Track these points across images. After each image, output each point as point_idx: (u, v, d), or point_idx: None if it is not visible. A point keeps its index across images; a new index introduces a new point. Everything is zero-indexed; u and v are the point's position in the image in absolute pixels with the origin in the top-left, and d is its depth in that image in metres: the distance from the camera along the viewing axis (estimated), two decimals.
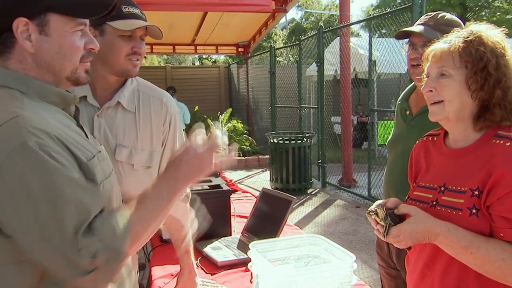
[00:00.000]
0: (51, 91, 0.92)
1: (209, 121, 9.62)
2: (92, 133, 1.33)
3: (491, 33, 1.07)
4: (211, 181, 2.27)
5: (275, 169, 6.44)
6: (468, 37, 1.07)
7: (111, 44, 1.30)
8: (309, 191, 6.53)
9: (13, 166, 0.77)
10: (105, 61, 1.31)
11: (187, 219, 1.50)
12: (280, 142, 6.41)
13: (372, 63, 5.70)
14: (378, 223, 1.09)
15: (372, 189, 5.66)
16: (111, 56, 1.31)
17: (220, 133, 0.98)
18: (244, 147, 9.13)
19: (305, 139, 6.42)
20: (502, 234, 0.98)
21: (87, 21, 0.94)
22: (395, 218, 1.07)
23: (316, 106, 6.96)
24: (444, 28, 1.50)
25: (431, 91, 1.09)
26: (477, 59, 1.04)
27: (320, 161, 6.81)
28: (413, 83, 1.68)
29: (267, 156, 8.37)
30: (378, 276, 1.86)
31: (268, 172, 7.00)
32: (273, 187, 6.43)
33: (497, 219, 0.99)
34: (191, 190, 1.58)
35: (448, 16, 1.57)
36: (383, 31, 7.45)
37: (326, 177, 6.81)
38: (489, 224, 1.01)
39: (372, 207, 1.12)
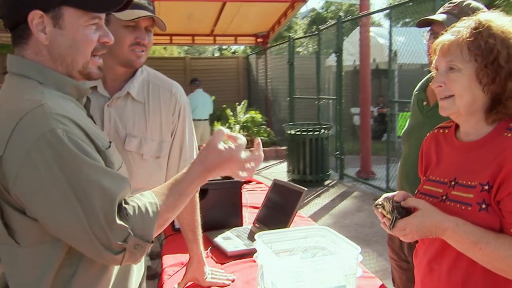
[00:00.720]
0: (68, 82, 0.94)
1: (227, 111, 9.65)
2: (102, 123, 1.35)
3: (501, 22, 1.02)
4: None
5: (292, 160, 6.42)
6: (476, 28, 1.02)
7: (115, 34, 1.30)
8: (326, 182, 6.49)
9: (42, 152, 0.80)
10: (110, 52, 1.32)
11: (196, 209, 1.52)
12: (297, 133, 6.38)
13: (392, 53, 5.58)
14: (384, 216, 1.08)
15: (391, 182, 5.59)
16: (116, 46, 1.31)
17: (260, 152, 1.02)
18: (262, 138, 9.12)
19: (322, 131, 6.37)
20: None
21: (102, 14, 0.95)
22: (402, 211, 1.05)
23: (335, 97, 6.88)
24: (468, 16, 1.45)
25: (441, 86, 1.06)
26: (487, 52, 0.99)
27: (338, 152, 6.75)
28: (431, 73, 1.64)
29: (284, 148, 8.37)
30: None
31: (285, 163, 6.98)
32: (290, 178, 6.43)
33: (508, 215, 0.96)
34: None
35: (474, 4, 1.51)
36: (406, 20, 7.27)
37: (344, 169, 6.75)
38: (499, 219, 0.98)
39: (379, 200, 1.10)
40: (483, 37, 1.00)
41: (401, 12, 5.61)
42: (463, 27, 1.04)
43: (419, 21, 1.61)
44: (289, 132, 6.49)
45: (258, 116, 9.47)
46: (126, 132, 1.39)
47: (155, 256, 2.83)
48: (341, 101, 6.68)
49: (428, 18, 1.55)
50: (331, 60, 9.34)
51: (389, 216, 1.06)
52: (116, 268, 0.97)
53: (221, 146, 0.96)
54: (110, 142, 0.98)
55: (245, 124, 9.26)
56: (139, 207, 0.86)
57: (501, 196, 0.96)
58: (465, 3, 1.52)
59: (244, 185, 2.72)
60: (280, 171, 7.27)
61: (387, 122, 6.03)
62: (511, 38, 1.00)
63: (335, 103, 6.92)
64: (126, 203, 0.86)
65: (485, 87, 1.01)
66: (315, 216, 4.78)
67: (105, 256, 0.83)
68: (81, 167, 0.82)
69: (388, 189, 5.57)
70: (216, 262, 1.68)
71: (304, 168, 6.28)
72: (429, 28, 1.57)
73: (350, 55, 8.18)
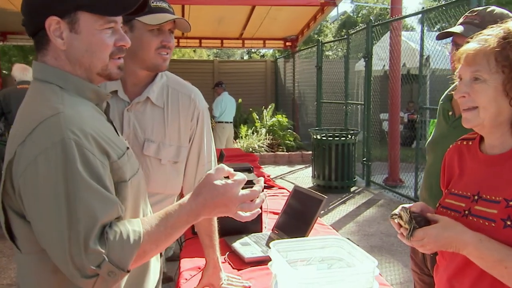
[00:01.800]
0: (88, 87, 0.96)
1: (254, 114, 9.67)
2: (121, 127, 1.37)
3: None
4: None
5: (318, 165, 6.35)
6: (505, 37, 0.96)
7: (140, 39, 1.33)
8: (352, 189, 6.38)
9: (48, 160, 0.81)
10: (135, 56, 1.34)
11: (213, 218, 1.51)
12: (323, 138, 6.31)
13: (423, 58, 5.44)
14: (401, 226, 1.04)
15: (419, 190, 5.43)
16: (141, 51, 1.34)
17: (260, 188, 0.95)
18: (288, 142, 9.08)
19: (349, 136, 6.27)
20: None
21: (118, 18, 0.96)
22: (421, 221, 1.02)
23: (363, 103, 6.77)
24: (491, 25, 1.39)
25: (464, 96, 1.01)
26: None
27: (364, 159, 6.63)
28: (456, 82, 1.58)
29: (311, 152, 8.30)
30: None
31: (310, 169, 6.92)
32: (315, 184, 6.36)
33: None
34: None
35: (498, 10, 1.44)
36: (443, 24, 7.07)
37: (370, 176, 6.62)
38: None
39: (396, 211, 1.07)
40: (511, 47, 0.95)
41: (435, 16, 5.46)
42: (491, 36, 0.99)
43: (438, 34, 1.56)
44: (315, 137, 6.43)
45: (284, 120, 9.44)
46: (145, 137, 1.40)
47: (175, 258, 2.84)
48: (369, 106, 6.57)
49: (446, 32, 1.49)
50: (361, 64, 9.20)
51: (406, 226, 1.03)
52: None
53: (218, 181, 0.90)
54: (128, 148, 0.99)
55: (271, 127, 9.24)
56: (121, 233, 0.83)
57: None
58: (488, 10, 1.45)
59: (266, 190, 2.71)
60: (305, 176, 7.21)
61: (417, 128, 5.87)
62: None
63: (363, 109, 6.81)
64: (110, 227, 0.84)
65: None
66: (340, 223, 4.70)
67: (76, 278, 0.81)
68: (79, 185, 0.81)
69: (416, 198, 5.42)
70: (233, 268, 1.67)
71: (329, 174, 6.20)
72: (451, 39, 1.52)
73: (380, 59, 8.04)
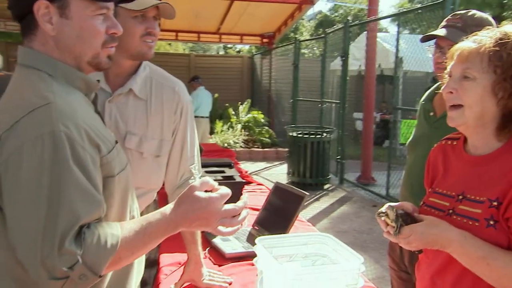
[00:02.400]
0: (78, 76, 0.92)
1: (230, 110, 9.63)
2: (103, 119, 1.33)
3: None
4: (224, 172, 2.27)
5: (293, 162, 6.40)
6: (501, 39, 0.98)
7: (124, 26, 1.27)
8: (325, 186, 6.47)
9: (35, 149, 0.77)
10: (119, 45, 1.29)
11: None
12: (299, 136, 6.36)
13: (398, 60, 5.56)
14: (388, 224, 1.05)
15: (391, 189, 5.56)
16: (126, 38, 1.28)
17: (243, 204, 0.93)
18: (264, 138, 9.10)
19: (324, 134, 6.35)
20: None
21: (110, 5, 0.92)
22: (407, 220, 1.04)
23: (338, 101, 6.86)
24: (473, 29, 1.42)
25: (452, 92, 1.03)
26: (508, 65, 0.96)
27: (339, 157, 6.73)
28: (438, 83, 1.62)
29: (286, 149, 8.35)
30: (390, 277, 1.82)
31: (285, 165, 6.97)
32: (289, 180, 6.41)
33: None
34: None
35: (478, 14, 1.48)
36: (413, 26, 7.25)
37: (344, 174, 6.73)
38: (507, 237, 0.96)
39: (382, 209, 1.08)
40: (506, 49, 0.97)
41: (409, 19, 5.59)
42: (486, 37, 1.01)
43: (422, 37, 1.59)
44: (291, 134, 6.47)
45: (260, 117, 9.45)
46: (127, 129, 1.36)
47: (150, 265, 2.76)
48: (344, 105, 6.66)
49: (430, 35, 1.53)
50: (336, 64, 9.31)
51: (393, 224, 1.04)
52: (111, 273, 0.94)
53: (201, 193, 0.88)
54: (116, 142, 0.95)
55: (246, 124, 9.24)
56: (99, 236, 0.80)
57: (511, 213, 0.94)
58: (469, 14, 1.49)
59: (245, 186, 2.70)
60: (280, 172, 7.25)
61: (390, 128, 6.00)
62: None
63: (338, 107, 6.90)
64: (88, 227, 0.80)
65: (500, 101, 0.98)
66: (314, 220, 4.75)
67: (42, 279, 0.76)
68: (66, 181, 0.77)
69: (388, 196, 5.55)
70: (214, 264, 1.66)
71: (304, 171, 6.26)
72: (434, 41, 1.55)
73: (356, 59, 8.16)
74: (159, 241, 0.89)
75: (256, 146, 8.90)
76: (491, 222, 0.97)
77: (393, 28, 16.36)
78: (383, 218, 1.07)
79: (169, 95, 1.42)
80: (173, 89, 1.43)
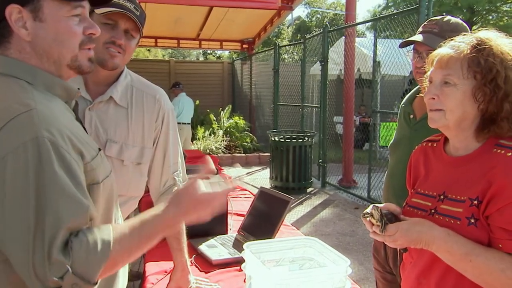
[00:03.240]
0: (57, 83, 0.90)
1: (211, 116, 9.61)
2: (84, 127, 1.32)
3: (500, 42, 1.02)
4: (209, 178, 2.26)
5: (275, 167, 6.42)
6: (477, 45, 1.02)
7: None
8: (308, 190, 6.51)
9: (19, 159, 0.75)
10: None
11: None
12: (281, 140, 6.39)
13: (376, 64, 5.66)
14: (373, 224, 1.07)
15: (372, 191, 5.64)
16: None
17: (233, 184, 0.96)
18: (245, 143, 9.11)
19: (306, 138, 6.40)
20: (500, 245, 0.96)
21: (85, 3, 0.90)
22: (391, 219, 1.06)
23: (319, 106, 6.94)
24: (449, 34, 1.47)
25: (433, 98, 1.06)
26: (486, 70, 1.00)
27: (320, 160, 6.79)
28: (417, 86, 1.66)
29: (268, 154, 8.37)
30: (374, 278, 1.85)
31: (268, 170, 6.99)
32: (272, 185, 6.42)
33: (496, 230, 0.97)
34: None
35: (454, 20, 1.54)
36: (388, 32, 7.41)
37: (326, 177, 6.79)
38: (487, 234, 0.99)
39: (367, 210, 1.10)
40: (483, 55, 1.00)
41: (386, 24, 5.70)
42: (463, 43, 1.04)
43: (401, 43, 1.63)
44: (273, 139, 6.50)
45: (241, 122, 9.46)
46: (107, 137, 1.35)
47: (133, 278, 2.72)
48: (325, 109, 6.74)
49: (408, 40, 1.57)
50: (316, 68, 9.42)
51: (378, 223, 1.06)
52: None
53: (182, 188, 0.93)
54: (100, 149, 0.94)
55: (228, 129, 9.23)
56: (87, 242, 0.77)
57: (490, 211, 0.97)
58: (445, 20, 1.54)
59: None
60: (262, 177, 7.27)
61: (370, 131, 6.10)
62: (509, 60, 1.00)
63: (319, 111, 6.97)
64: (76, 235, 0.78)
65: (481, 105, 1.01)
66: (297, 224, 4.78)
67: (37, 287, 0.74)
68: (53, 187, 0.76)
69: (369, 198, 5.63)
70: (201, 271, 1.65)
71: (287, 175, 6.29)
72: (412, 47, 1.59)
73: (335, 64, 8.27)
74: (156, 241, 0.88)
75: (238, 151, 8.90)
76: (472, 221, 1.00)
77: (369, 33, 16.69)
78: (368, 219, 1.09)
79: (150, 103, 1.41)
80: (154, 96, 1.43)
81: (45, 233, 0.74)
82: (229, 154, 8.58)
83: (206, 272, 1.63)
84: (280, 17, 9.26)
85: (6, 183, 0.75)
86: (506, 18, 15.30)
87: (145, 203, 2.10)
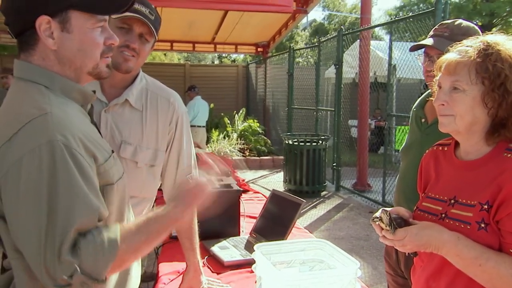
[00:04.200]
0: (74, 88, 0.94)
1: (225, 119, 9.66)
2: (99, 129, 1.36)
3: (509, 46, 1.02)
4: (222, 180, 2.28)
5: (289, 170, 6.42)
6: (485, 49, 1.01)
7: None
8: (322, 194, 6.49)
9: (34, 160, 0.79)
10: None
11: (194, 217, 1.51)
12: (295, 143, 6.39)
13: (391, 67, 5.63)
14: (383, 229, 1.08)
15: (387, 195, 5.60)
16: None
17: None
18: (260, 147, 9.13)
19: (320, 142, 6.39)
20: (511, 250, 0.96)
21: (107, 17, 0.95)
22: (400, 223, 1.06)
23: (333, 109, 6.92)
24: (460, 38, 1.46)
25: (443, 104, 1.06)
26: (495, 76, 0.99)
27: (335, 164, 6.77)
28: (428, 90, 1.66)
29: (282, 157, 8.37)
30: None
31: (282, 173, 6.98)
32: (286, 188, 6.42)
33: (507, 235, 0.97)
34: None
35: (465, 23, 1.53)
36: (407, 34, 7.35)
37: (340, 181, 6.76)
38: (498, 239, 0.99)
39: (377, 214, 1.10)
40: (491, 60, 1.00)
41: (401, 27, 5.66)
42: (470, 48, 1.04)
43: (411, 46, 1.63)
44: (287, 142, 6.50)
45: (255, 125, 9.48)
46: (122, 139, 1.39)
47: (147, 279, 2.76)
48: (339, 112, 6.72)
49: (418, 44, 1.57)
50: (330, 72, 9.39)
51: (387, 228, 1.06)
52: (113, 277, 0.96)
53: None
54: (113, 152, 0.98)
55: (242, 132, 9.27)
56: (94, 242, 0.81)
57: (501, 216, 0.97)
58: (456, 23, 1.53)
59: (242, 194, 2.72)
60: (276, 180, 7.27)
61: (385, 135, 6.05)
62: None
63: (333, 115, 6.95)
64: (84, 235, 0.81)
65: (491, 110, 1.01)
66: (311, 227, 4.77)
67: (49, 286, 0.78)
68: (65, 187, 0.79)
69: (384, 202, 5.58)
70: (212, 272, 1.67)
71: (300, 179, 6.28)
72: (423, 50, 1.59)
73: (350, 67, 8.24)
74: (163, 236, 0.93)
75: (252, 154, 8.92)
76: (482, 225, 0.99)
77: (386, 36, 16.56)
78: (377, 223, 1.09)
79: (164, 106, 1.45)
80: (168, 100, 1.46)
81: (56, 233, 0.78)
82: (243, 157, 8.61)
83: (218, 273, 1.65)
84: (295, 20, 9.27)
85: (21, 184, 0.79)
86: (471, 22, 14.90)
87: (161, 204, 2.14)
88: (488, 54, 1.01)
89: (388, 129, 6.08)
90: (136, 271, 1.11)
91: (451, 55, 1.07)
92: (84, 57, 0.92)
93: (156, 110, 1.43)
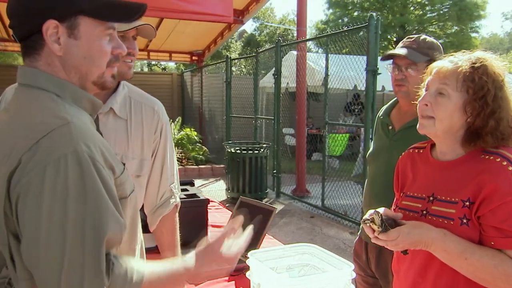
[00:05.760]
0: (84, 96, 0.89)
1: None
2: None
3: (495, 63, 1.13)
4: (187, 190, 2.25)
5: (232, 178, 6.44)
6: (474, 63, 1.12)
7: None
8: (264, 200, 6.58)
9: (59, 171, 0.74)
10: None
11: (177, 229, 1.48)
12: (237, 151, 6.43)
13: (322, 78, 5.90)
14: (374, 230, 1.13)
15: (326, 200, 5.84)
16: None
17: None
18: (197, 156, 9.03)
19: (262, 150, 6.50)
20: (492, 243, 1.06)
21: (115, 25, 0.91)
22: (391, 224, 1.13)
23: (272, 117, 7.08)
24: (426, 51, 1.61)
25: (426, 105, 1.16)
26: (479, 87, 1.10)
27: (275, 171, 6.91)
28: (394, 99, 1.79)
29: (221, 166, 8.35)
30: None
31: (222, 181, 6.98)
32: (229, 196, 6.42)
33: (488, 229, 1.07)
34: (180, 199, 1.55)
35: (429, 39, 1.68)
36: (337, 47, 7.76)
37: (280, 187, 6.92)
38: (478, 233, 1.09)
39: (366, 216, 1.16)
40: (478, 73, 1.11)
41: (333, 40, 5.97)
42: (463, 60, 1.15)
43: (383, 55, 1.75)
44: (229, 150, 6.52)
45: (193, 134, 9.37)
46: None
47: None
48: (278, 121, 6.89)
49: (391, 53, 1.70)
50: (265, 81, 9.62)
51: (379, 229, 1.12)
52: None
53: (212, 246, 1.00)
54: (124, 164, 0.93)
55: (179, 141, 9.10)
56: (126, 269, 0.81)
57: (483, 212, 1.07)
58: (421, 38, 1.69)
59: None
60: (217, 189, 7.23)
61: (323, 142, 6.32)
62: (500, 81, 1.12)
63: (271, 123, 7.11)
64: (116, 258, 0.80)
65: (469, 118, 1.12)
66: None
67: None
68: (95, 199, 0.75)
69: (324, 207, 5.81)
70: (190, 284, 1.63)
71: (243, 186, 6.33)
72: (391, 61, 1.72)
73: (283, 77, 8.50)
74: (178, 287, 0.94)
75: (190, 163, 8.80)
76: (464, 221, 1.09)
77: (315, 48, 17.33)
78: (368, 225, 1.15)
79: (149, 115, 1.40)
80: (152, 108, 1.42)
81: (85, 249, 0.73)
82: (181, 166, 8.45)
83: (195, 285, 1.62)
84: (231, 30, 9.37)
85: (45, 194, 0.73)
86: (433, 37, 16.61)
87: None
88: (476, 67, 1.12)
89: (325, 136, 6.35)
90: None
91: (444, 62, 1.17)
92: (90, 65, 0.87)
93: (141, 119, 1.38)
